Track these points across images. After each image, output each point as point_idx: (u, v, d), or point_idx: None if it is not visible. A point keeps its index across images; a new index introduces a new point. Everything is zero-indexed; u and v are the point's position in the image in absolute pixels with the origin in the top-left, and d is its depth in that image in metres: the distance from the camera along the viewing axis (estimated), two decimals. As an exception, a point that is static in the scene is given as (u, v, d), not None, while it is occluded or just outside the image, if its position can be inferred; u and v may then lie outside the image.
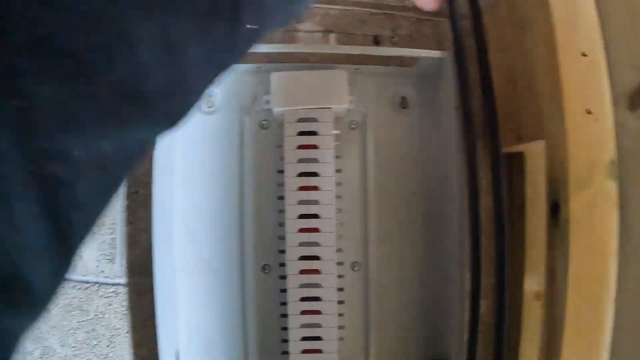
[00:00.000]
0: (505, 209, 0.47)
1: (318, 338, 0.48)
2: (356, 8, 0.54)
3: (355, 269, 0.52)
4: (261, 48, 0.53)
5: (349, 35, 0.53)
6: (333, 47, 0.52)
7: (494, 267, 0.47)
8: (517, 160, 0.52)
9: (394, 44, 0.53)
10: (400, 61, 0.53)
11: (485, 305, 0.50)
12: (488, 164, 0.47)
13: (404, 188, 0.52)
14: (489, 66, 0.48)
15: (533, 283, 0.50)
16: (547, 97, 0.46)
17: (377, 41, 0.54)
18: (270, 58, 0.53)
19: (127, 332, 0.55)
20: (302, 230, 0.48)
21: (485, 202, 0.47)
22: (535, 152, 0.48)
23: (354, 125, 0.52)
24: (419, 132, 0.52)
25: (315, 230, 0.48)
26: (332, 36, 0.54)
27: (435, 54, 0.49)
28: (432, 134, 0.52)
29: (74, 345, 0.57)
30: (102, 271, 0.56)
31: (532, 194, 0.50)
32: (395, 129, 0.52)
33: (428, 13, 0.55)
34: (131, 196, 0.55)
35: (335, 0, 0.54)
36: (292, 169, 0.48)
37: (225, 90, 0.53)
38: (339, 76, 0.49)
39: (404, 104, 0.53)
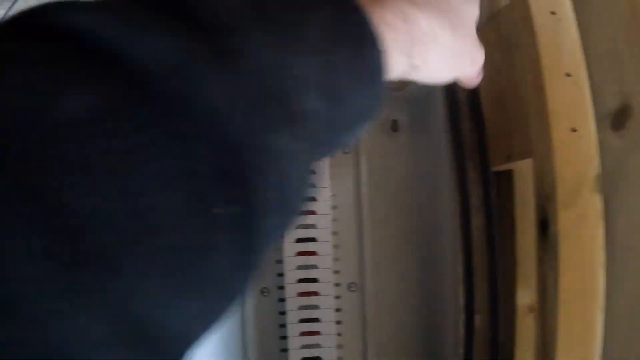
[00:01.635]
0: (496, 226, 0.49)
1: (317, 358, 0.49)
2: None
3: (352, 289, 0.53)
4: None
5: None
6: None
7: (487, 283, 0.48)
8: (506, 178, 0.53)
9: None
10: (389, 85, 0.54)
11: (480, 320, 0.51)
12: (479, 182, 0.49)
13: (397, 209, 0.53)
14: (477, 89, 0.50)
15: (525, 296, 0.52)
16: (534, 116, 0.48)
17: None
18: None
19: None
20: (300, 253, 0.49)
21: (477, 219, 0.49)
22: (523, 170, 0.50)
23: (347, 150, 0.53)
24: (410, 154, 0.54)
25: (313, 253, 0.49)
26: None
27: (423, 77, 0.50)
28: (423, 156, 0.53)
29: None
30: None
31: (521, 210, 0.51)
32: (387, 152, 0.54)
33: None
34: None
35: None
36: (287, 194, 0.49)
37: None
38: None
39: (395, 127, 0.54)
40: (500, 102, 0.53)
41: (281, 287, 0.51)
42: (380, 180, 0.53)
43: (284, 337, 0.50)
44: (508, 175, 0.53)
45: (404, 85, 0.54)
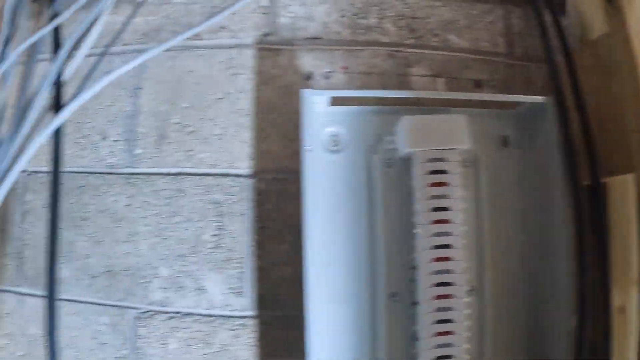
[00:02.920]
0: (603, 232, 0.55)
1: (449, 357, 0.53)
2: (460, 54, 0.60)
3: (472, 292, 0.58)
4: (379, 93, 0.58)
5: (454, 80, 0.59)
6: (453, 94, 0.57)
7: (594, 285, 0.54)
8: (605, 192, 0.60)
9: (492, 87, 0.60)
10: (500, 104, 0.60)
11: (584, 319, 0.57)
12: (590, 191, 0.55)
13: (510, 217, 0.59)
14: (585, 110, 0.56)
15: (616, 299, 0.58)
16: (635, 133, 0.55)
17: (478, 84, 0.60)
18: (385, 101, 0.58)
19: (254, 364, 0.57)
20: (436, 259, 0.53)
21: (587, 226, 0.55)
22: (625, 183, 0.57)
23: (467, 164, 0.58)
24: (519, 167, 0.59)
25: (447, 259, 0.53)
26: (440, 80, 0.59)
27: (538, 99, 0.56)
28: (532, 169, 0.59)
29: (194, 380, 0.58)
30: (229, 304, 0.58)
31: (623, 218, 0.58)
32: (499, 165, 0.59)
33: (517, 58, 0.62)
34: (260, 231, 0.58)
35: (440, 47, 0.60)
36: (425, 205, 0.53)
37: (349, 130, 0.57)
38: (460, 119, 0.54)
39: (505, 142, 0.60)
40: (600, 122, 0.59)
41: (411, 292, 0.55)
42: (495, 191, 0.58)
43: (413, 339, 0.54)
44: (609, 188, 0.60)
45: (514, 104, 0.59)
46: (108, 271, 0.61)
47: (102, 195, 0.62)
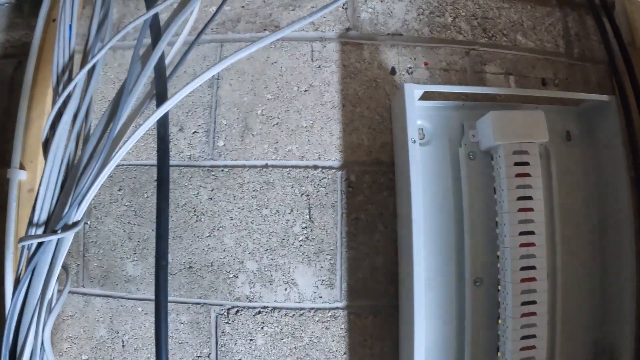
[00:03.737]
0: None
1: (533, 336, 0.57)
2: (526, 53, 0.64)
3: (547, 276, 0.61)
4: (453, 88, 0.60)
5: (523, 78, 0.63)
6: (534, 91, 0.61)
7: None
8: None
9: (556, 86, 0.65)
10: (562, 101, 0.64)
11: None
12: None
13: (576, 205, 0.63)
14: (642, 108, 0.62)
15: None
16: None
17: (544, 83, 0.64)
18: (466, 97, 0.61)
19: (344, 354, 0.58)
20: (522, 245, 0.56)
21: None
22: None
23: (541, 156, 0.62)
24: (582, 161, 0.64)
25: (532, 244, 0.57)
26: (512, 78, 0.63)
27: (604, 97, 0.61)
28: (593, 163, 0.64)
29: (282, 374, 0.58)
30: (320, 296, 0.58)
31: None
32: (564, 158, 0.63)
33: (575, 58, 0.67)
34: (352, 222, 0.58)
35: (509, 46, 0.64)
36: (512, 194, 0.56)
37: (433, 124, 0.59)
38: (539, 115, 0.58)
39: (568, 137, 0.64)
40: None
41: (494, 277, 0.58)
42: (562, 182, 0.63)
43: (495, 322, 0.57)
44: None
45: (577, 102, 0.64)
46: (188, 267, 0.59)
47: (181, 189, 0.59)
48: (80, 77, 0.49)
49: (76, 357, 0.61)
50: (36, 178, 0.62)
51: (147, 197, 0.60)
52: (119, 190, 0.61)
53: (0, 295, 0.60)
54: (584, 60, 0.67)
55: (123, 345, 0.60)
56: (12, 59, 0.68)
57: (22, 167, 0.62)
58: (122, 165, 0.60)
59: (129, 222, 0.60)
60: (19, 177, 0.61)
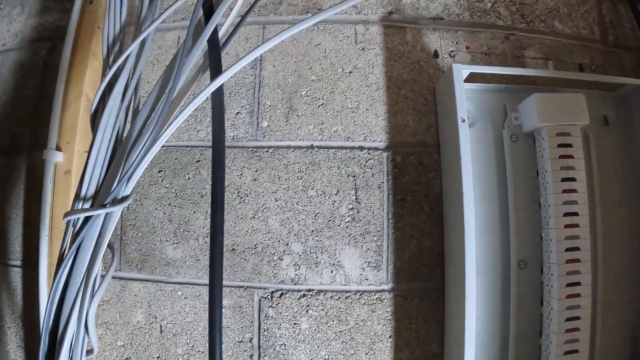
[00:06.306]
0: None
1: (577, 318, 0.57)
2: (563, 39, 0.65)
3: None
4: (501, 70, 0.61)
5: (562, 63, 0.64)
6: (572, 74, 0.61)
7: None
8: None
9: (592, 71, 0.65)
10: (599, 85, 0.65)
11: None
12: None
13: (617, 190, 0.64)
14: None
15: None
16: None
17: (581, 68, 0.65)
18: (506, 81, 0.61)
19: (389, 337, 0.57)
20: (567, 226, 0.57)
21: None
22: None
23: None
24: (619, 144, 0.65)
25: (576, 225, 0.57)
26: (550, 63, 0.64)
27: (642, 82, 0.62)
28: (630, 147, 0.65)
29: (326, 357, 0.57)
30: (366, 279, 0.57)
31: None
32: (602, 141, 0.64)
33: (610, 45, 0.68)
34: (398, 203, 0.58)
35: (547, 32, 0.64)
36: (556, 175, 0.57)
37: (477, 106, 0.59)
38: (580, 99, 0.59)
39: (606, 121, 0.65)
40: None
41: (537, 259, 0.58)
42: (600, 164, 0.63)
43: (539, 304, 0.57)
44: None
45: (614, 87, 0.65)
46: (231, 250, 0.58)
47: (223, 170, 0.58)
48: (133, 48, 0.48)
49: (111, 344, 0.59)
50: (73, 160, 0.60)
51: (189, 178, 0.59)
52: (159, 172, 0.60)
53: (34, 280, 0.59)
54: (619, 47, 0.68)
55: (161, 331, 0.58)
56: (46, 42, 0.67)
57: (58, 149, 0.60)
58: (163, 146, 0.59)
59: (169, 204, 0.59)
60: (56, 158, 0.60)
